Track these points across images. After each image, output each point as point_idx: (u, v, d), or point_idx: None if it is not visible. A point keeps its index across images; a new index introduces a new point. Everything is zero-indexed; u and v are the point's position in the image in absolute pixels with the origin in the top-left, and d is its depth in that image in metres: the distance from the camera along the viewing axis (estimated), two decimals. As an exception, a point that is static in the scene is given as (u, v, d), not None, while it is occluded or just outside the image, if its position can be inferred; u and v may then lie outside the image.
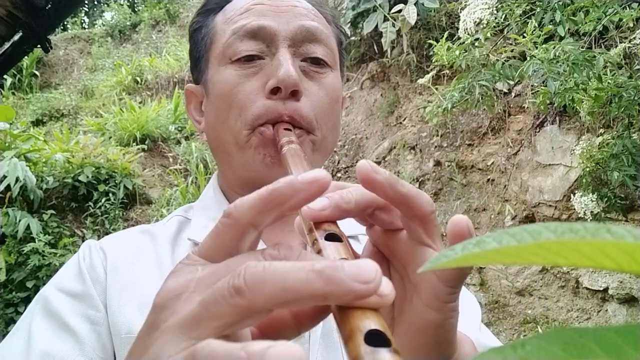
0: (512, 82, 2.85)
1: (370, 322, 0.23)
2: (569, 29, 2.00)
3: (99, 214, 4.21)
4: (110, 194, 4.29)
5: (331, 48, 0.63)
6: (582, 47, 1.99)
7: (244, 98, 0.58)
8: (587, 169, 2.35)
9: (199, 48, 0.66)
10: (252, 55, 0.59)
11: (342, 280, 0.23)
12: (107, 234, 4.16)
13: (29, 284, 3.64)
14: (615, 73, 2.05)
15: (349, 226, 0.40)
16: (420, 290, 0.35)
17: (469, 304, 0.62)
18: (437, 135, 3.78)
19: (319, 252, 0.30)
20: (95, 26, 10.36)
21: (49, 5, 2.19)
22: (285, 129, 0.56)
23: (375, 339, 0.23)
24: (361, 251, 0.39)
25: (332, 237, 0.31)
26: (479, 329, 0.60)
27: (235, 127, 0.58)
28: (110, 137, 5.22)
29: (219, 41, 0.62)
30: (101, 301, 0.55)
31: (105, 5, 10.59)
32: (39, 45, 2.29)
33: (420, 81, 2.98)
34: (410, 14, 3.25)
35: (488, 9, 1.95)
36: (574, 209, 2.46)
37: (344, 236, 0.32)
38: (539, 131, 3.10)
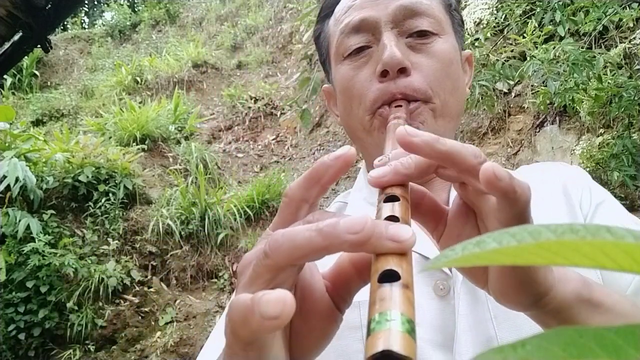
0: (512, 82, 2.85)
1: (389, 264, 0.27)
2: (569, 29, 2.00)
3: (99, 214, 4.21)
4: (110, 194, 4.29)
5: (434, 15, 0.64)
6: (582, 47, 1.99)
7: (360, 87, 0.63)
8: (587, 169, 2.35)
9: (322, 52, 0.73)
10: (361, 47, 0.64)
11: (337, 233, 0.28)
12: (107, 234, 4.17)
13: (29, 284, 3.64)
14: (615, 73, 2.05)
15: None
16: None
17: None
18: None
19: (378, 211, 0.34)
20: (95, 26, 10.37)
21: (49, 5, 2.18)
22: (396, 106, 0.60)
23: (391, 277, 0.27)
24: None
25: (392, 199, 0.35)
26: None
27: (359, 114, 0.64)
28: (110, 137, 5.22)
29: (333, 42, 0.68)
30: None
31: (105, 5, 10.59)
32: (39, 45, 2.29)
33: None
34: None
35: (488, 9, 1.95)
36: (574, 209, 2.45)
37: (406, 197, 0.36)
38: (539, 131, 3.10)
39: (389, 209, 0.34)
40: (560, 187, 0.66)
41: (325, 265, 0.35)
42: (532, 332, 0.53)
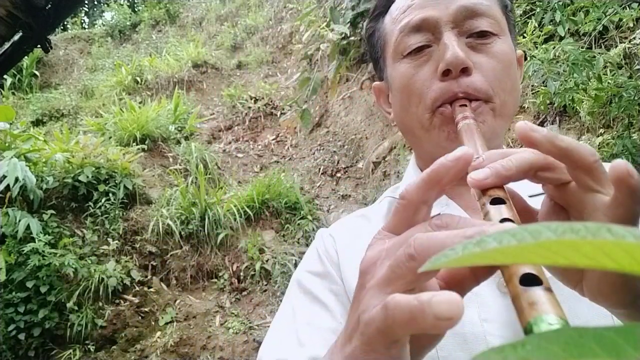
0: (512, 82, 2.84)
1: (525, 267, 0.28)
2: (569, 29, 2.00)
3: (99, 214, 4.21)
4: (110, 194, 4.29)
5: (494, 16, 0.64)
6: (582, 47, 1.99)
7: (420, 86, 0.63)
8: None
9: (376, 50, 0.74)
10: (421, 46, 0.64)
11: None
12: (107, 234, 4.17)
13: (29, 284, 3.64)
14: (615, 73, 2.05)
15: (529, 187, 0.44)
16: None
17: None
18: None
19: (485, 215, 0.35)
20: (95, 26, 10.37)
21: (49, 5, 2.18)
22: (461, 105, 0.60)
23: (530, 281, 0.27)
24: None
25: (497, 201, 0.36)
26: None
27: (418, 112, 0.64)
28: (110, 137, 5.22)
29: (390, 40, 0.68)
30: (338, 277, 0.66)
31: (105, 5, 10.59)
32: (39, 45, 2.29)
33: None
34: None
35: (488, 9, 1.94)
36: (574, 209, 2.45)
37: (509, 198, 0.36)
38: (539, 131, 3.10)
39: (498, 211, 0.35)
40: None
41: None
42: (593, 322, 0.52)
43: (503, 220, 0.33)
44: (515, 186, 0.62)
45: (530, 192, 0.44)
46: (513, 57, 0.67)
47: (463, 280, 0.35)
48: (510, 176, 0.37)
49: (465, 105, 0.60)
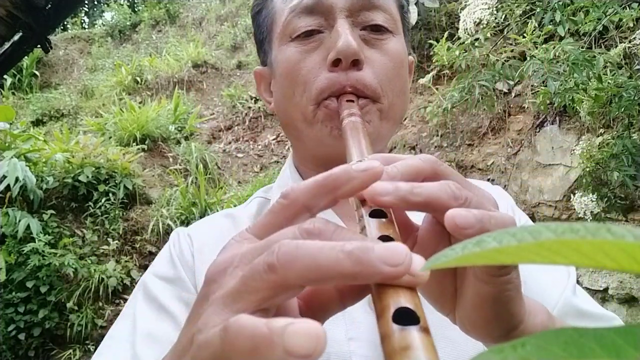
0: (512, 82, 2.85)
1: (401, 300, 0.24)
2: (569, 29, 2.00)
3: (99, 214, 4.21)
4: (110, 194, 4.29)
5: (391, 13, 0.61)
6: (582, 47, 1.99)
7: (306, 74, 0.58)
8: (587, 169, 2.35)
9: (262, 30, 0.67)
10: (311, 30, 0.59)
11: (371, 262, 0.24)
12: (107, 234, 4.17)
13: (29, 284, 3.64)
14: (615, 73, 2.05)
15: None
16: (466, 266, 0.35)
17: (556, 269, 0.61)
18: (437, 135, 3.78)
19: (363, 228, 0.31)
20: (95, 26, 10.36)
21: (49, 5, 2.18)
22: (348, 101, 0.56)
23: (407, 316, 0.23)
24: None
25: (378, 213, 0.31)
26: (573, 292, 0.59)
27: (301, 103, 0.59)
28: (110, 137, 5.22)
29: (279, 20, 0.62)
30: (192, 283, 0.59)
31: (105, 5, 10.59)
32: (39, 45, 2.29)
33: (421, 81, 2.98)
34: (410, 14, 3.25)
35: (488, 9, 1.95)
36: (574, 209, 2.46)
37: (390, 212, 0.32)
38: (539, 131, 3.10)
39: (377, 226, 0.30)
40: None
41: None
42: (466, 350, 0.51)
43: (383, 237, 0.29)
44: None
45: None
46: (405, 58, 0.64)
47: (328, 303, 0.30)
48: (416, 204, 0.31)
49: (353, 101, 0.56)
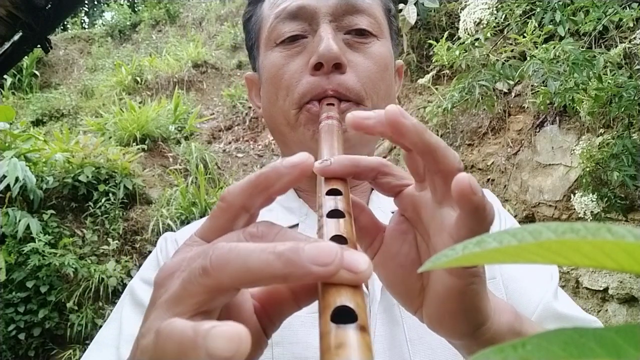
0: (512, 82, 2.85)
1: (342, 299, 0.24)
2: (569, 29, 2.00)
3: (99, 214, 4.21)
4: (110, 194, 4.29)
5: (375, 16, 0.61)
6: (582, 47, 1.99)
7: (289, 78, 0.59)
8: (587, 169, 2.35)
9: (251, 36, 0.68)
10: (295, 35, 0.60)
11: (300, 262, 0.24)
12: (107, 234, 4.17)
13: (29, 284, 3.64)
14: (615, 73, 2.05)
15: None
16: None
17: (539, 272, 0.61)
18: (437, 135, 3.77)
19: (320, 228, 0.31)
20: (95, 26, 10.36)
21: (49, 5, 2.18)
22: (328, 104, 0.56)
23: (347, 315, 0.23)
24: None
25: (336, 214, 0.31)
26: (555, 296, 0.59)
27: (284, 107, 0.60)
28: (110, 137, 5.22)
29: (265, 27, 0.63)
30: None
31: (105, 5, 10.59)
32: (39, 45, 2.29)
33: (421, 81, 2.98)
34: (410, 13, 3.25)
35: (488, 9, 1.94)
36: (574, 209, 2.46)
37: (349, 212, 0.32)
38: (539, 131, 3.10)
39: (334, 226, 0.30)
40: None
41: None
42: (445, 356, 0.49)
43: (336, 237, 0.29)
44: (381, 201, 0.59)
45: (393, 208, 0.40)
46: (390, 61, 0.64)
47: (282, 303, 0.31)
48: (356, 167, 0.34)
49: (333, 104, 0.56)
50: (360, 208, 0.38)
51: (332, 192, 0.33)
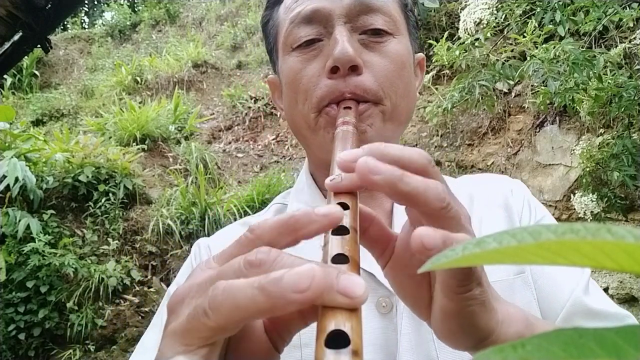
0: (512, 82, 2.85)
1: (337, 322, 0.24)
2: (569, 29, 2.00)
3: (99, 214, 4.21)
4: (110, 194, 4.29)
5: (390, 15, 0.61)
6: (582, 47, 1.99)
7: (307, 82, 0.59)
8: (587, 169, 2.35)
9: (270, 40, 0.69)
10: (311, 39, 0.60)
11: (281, 293, 0.25)
12: (107, 234, 4.17)
13: (29, 284, 3.64)
14: (615, 73, 2.05)
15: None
16: (435, 279, 0.37)
17: (570, 268, 0.61)
18: (437, 135, 3.78)
19: (325, 244, 0.32)
20: (95, 26, 10.36)
21: (49, 5, 2.18)
22: (346, 108, 0.56)
23: (343, 338, 0.24)
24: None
25: (341, 230, 0.32)
26: (585, 290, 0.59)
27: (304, 111, 0.60)
28: (110, 137, 5.21)
29: (282, 31, 0.63)
30: None
31: (105, 5, 10.59)
32: (39, 45, 2.29)
33: (420, 81, 2.97)
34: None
35: (488, 9, 1.94)
36: (574, 209, 2.46)
37: (355, 228, 0.33)
38: (539, 131, 3.10)
39: (337, 244, 0.31)
40: (502, 200, 0.66)
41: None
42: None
43: (338, 256, 0.30)
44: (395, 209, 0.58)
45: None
46: (408, 58, 0.63)
47: (290, 321, 0.31)
48: (401, 192, 0.32)
49: (350, 108, 0.56)
50: (369, 220, 0.39)
51: (340, 206, 0.34)
